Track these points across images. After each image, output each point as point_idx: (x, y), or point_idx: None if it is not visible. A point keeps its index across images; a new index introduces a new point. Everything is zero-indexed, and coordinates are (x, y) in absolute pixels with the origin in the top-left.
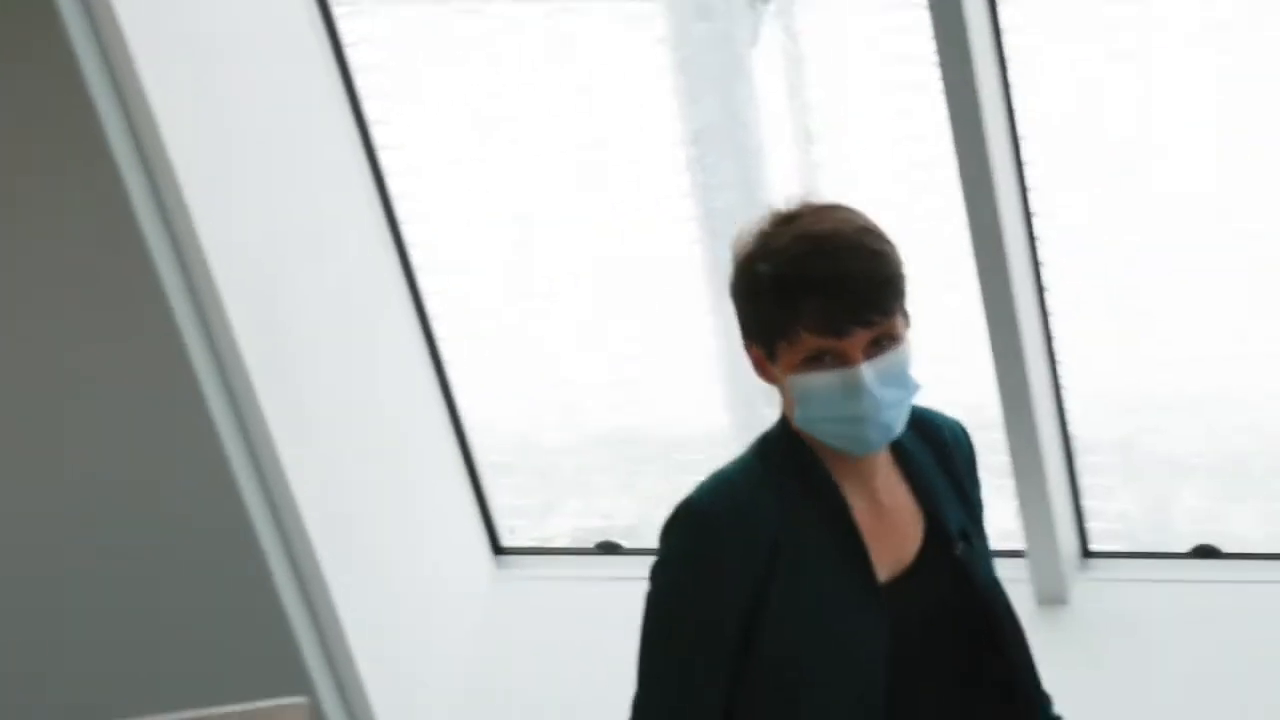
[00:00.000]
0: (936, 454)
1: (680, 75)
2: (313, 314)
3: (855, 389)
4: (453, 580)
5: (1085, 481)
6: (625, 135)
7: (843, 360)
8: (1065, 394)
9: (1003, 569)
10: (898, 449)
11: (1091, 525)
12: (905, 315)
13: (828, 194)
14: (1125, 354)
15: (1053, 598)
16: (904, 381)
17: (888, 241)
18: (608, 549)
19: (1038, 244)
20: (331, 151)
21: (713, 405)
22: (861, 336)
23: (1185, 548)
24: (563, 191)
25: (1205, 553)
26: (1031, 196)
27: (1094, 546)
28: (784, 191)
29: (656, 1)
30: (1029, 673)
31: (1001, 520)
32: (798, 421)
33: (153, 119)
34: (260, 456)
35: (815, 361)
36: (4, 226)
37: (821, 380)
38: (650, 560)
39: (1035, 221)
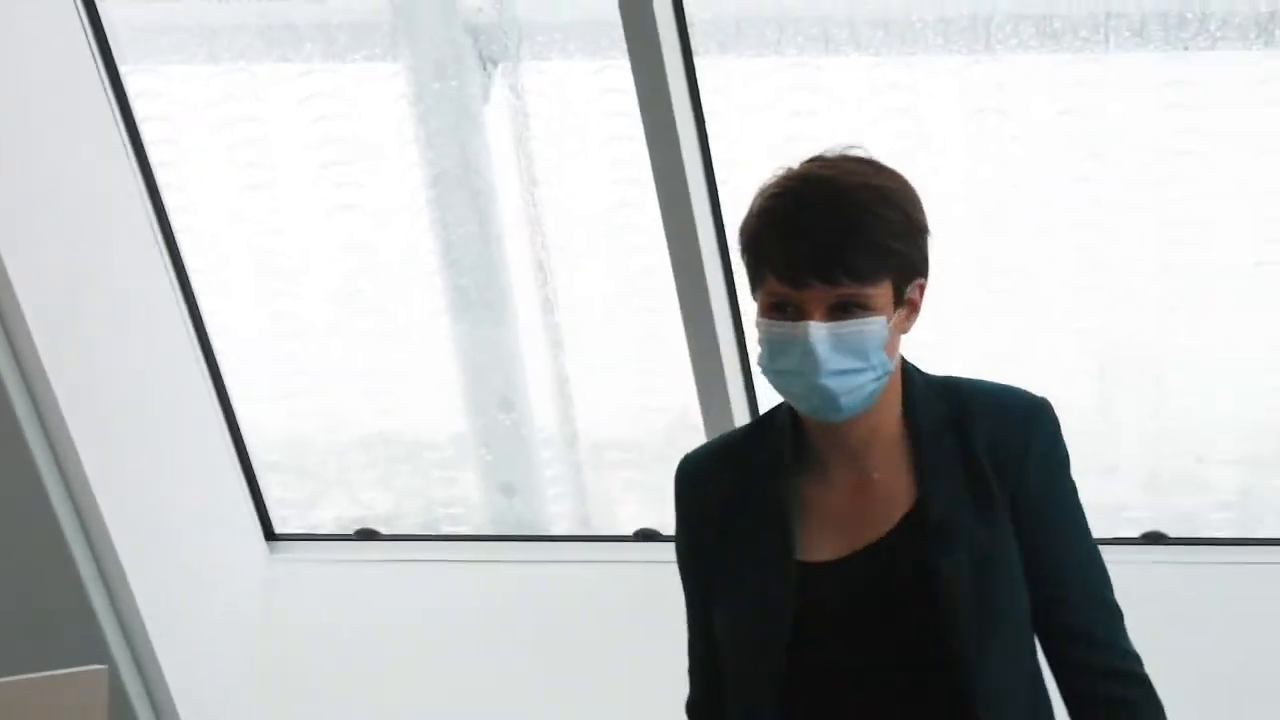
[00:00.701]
0: (960, 436)
1: (420, 127)
2: (105, 335)
3: (794, 343)
4: (233, 562)
5: None
6: (375, 178)
7: (800, 315)
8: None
9: None
10: (911, 425)
11: None
12: (902, 297)
13: (548, 231)
14: None
15: None
16: (864, 355)
17: (899, 210)
18: (366, 535)
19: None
20: (119, 189)
21: (454, 412)
22: (821, 293)
23: None
24: (323, 226)
25: None
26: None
27: None
28: (513, 226)
29: (399, 63)
30: (993, 708)
31: None
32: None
33: None
34: (64, 462)
35: (778, 311)
36: None
37: (772, 329)
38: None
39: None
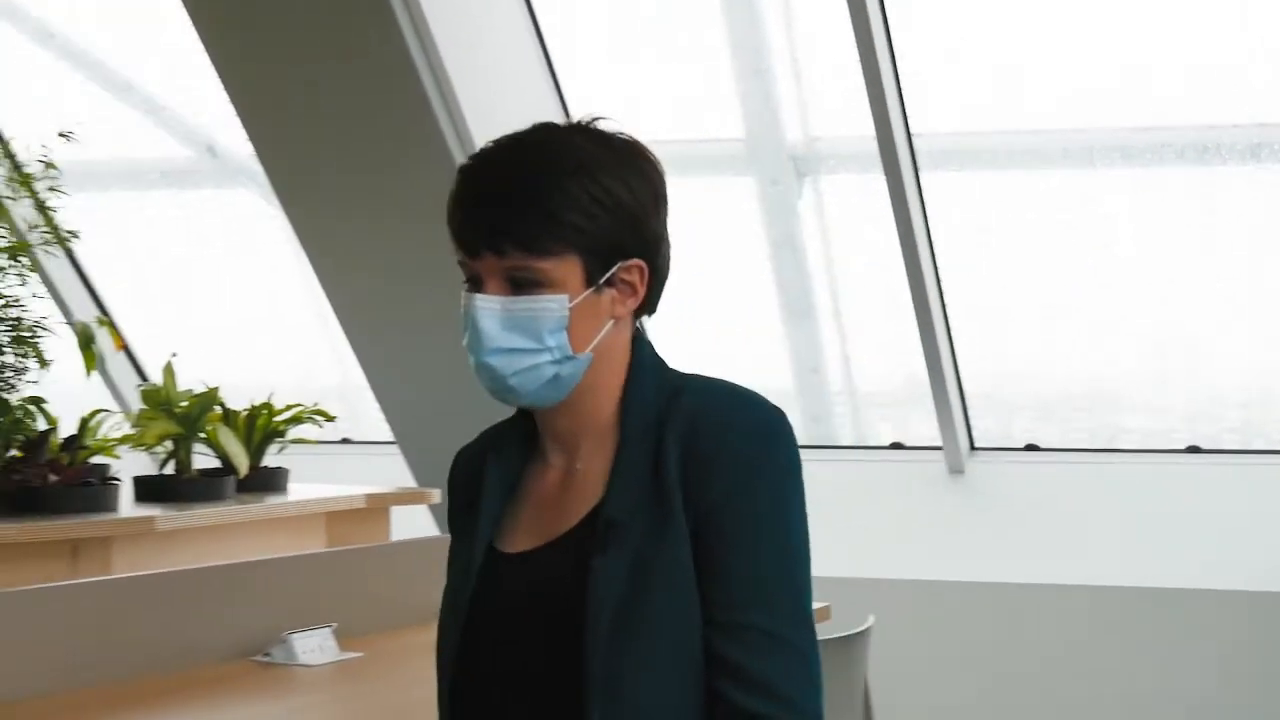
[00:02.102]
0: (659, 438)
1: (763, 215)
2: None
3: (467, 316)
4: None
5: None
6: (735, 246)
7: (479, 287)
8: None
9: (926, 456)
10: (625, 423)
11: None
12: (599, 278)
13: (836, 275)
14: None
15: (956, 470)
16: (536, 336)
17: (597, 184)
18: None
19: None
20: None
21: (779, 372)
22: (493, 263)
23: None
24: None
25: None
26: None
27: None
28: (815, 272)
29: (751, 176)
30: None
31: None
32: None
33: None
34: None
35: (470, 283)
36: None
37: (463, 302)
38: None
39: None
